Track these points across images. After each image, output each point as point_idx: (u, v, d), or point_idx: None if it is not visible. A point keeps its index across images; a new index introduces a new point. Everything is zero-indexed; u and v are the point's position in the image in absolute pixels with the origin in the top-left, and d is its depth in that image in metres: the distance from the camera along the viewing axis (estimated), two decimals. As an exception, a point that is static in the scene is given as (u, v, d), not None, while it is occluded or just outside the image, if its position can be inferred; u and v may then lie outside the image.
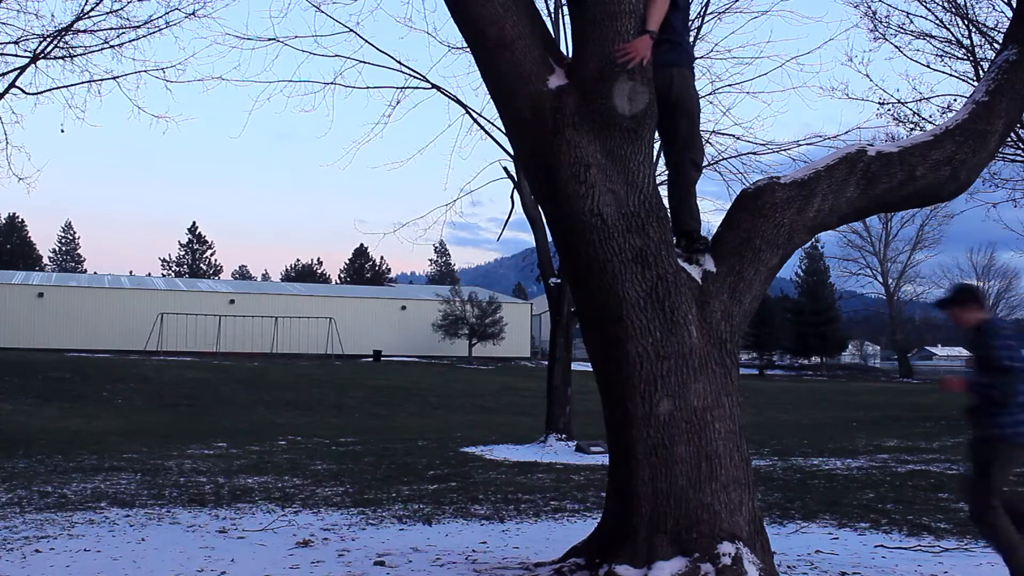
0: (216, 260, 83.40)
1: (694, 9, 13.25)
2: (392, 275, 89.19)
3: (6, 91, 15.25)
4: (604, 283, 4.47)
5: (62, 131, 20.35)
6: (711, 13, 13.71)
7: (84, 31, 15.45)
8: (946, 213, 41.98)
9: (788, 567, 5.11)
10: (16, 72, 15.30)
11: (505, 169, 13.98)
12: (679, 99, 4.68)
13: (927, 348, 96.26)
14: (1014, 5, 7.57)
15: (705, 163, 14.16)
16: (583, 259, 4.52)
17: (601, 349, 4.64)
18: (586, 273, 4.55)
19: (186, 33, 75.30)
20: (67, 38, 15.39)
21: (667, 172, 5.08)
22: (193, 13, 15.37)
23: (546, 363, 15.76)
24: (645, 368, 4.44)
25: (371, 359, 41.64)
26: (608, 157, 4.42)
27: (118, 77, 15.70)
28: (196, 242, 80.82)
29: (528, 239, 22.73)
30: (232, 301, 44.40)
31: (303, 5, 15.46)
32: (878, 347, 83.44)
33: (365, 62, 13.13)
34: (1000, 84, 5.27)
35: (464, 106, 13.63)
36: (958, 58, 17.84)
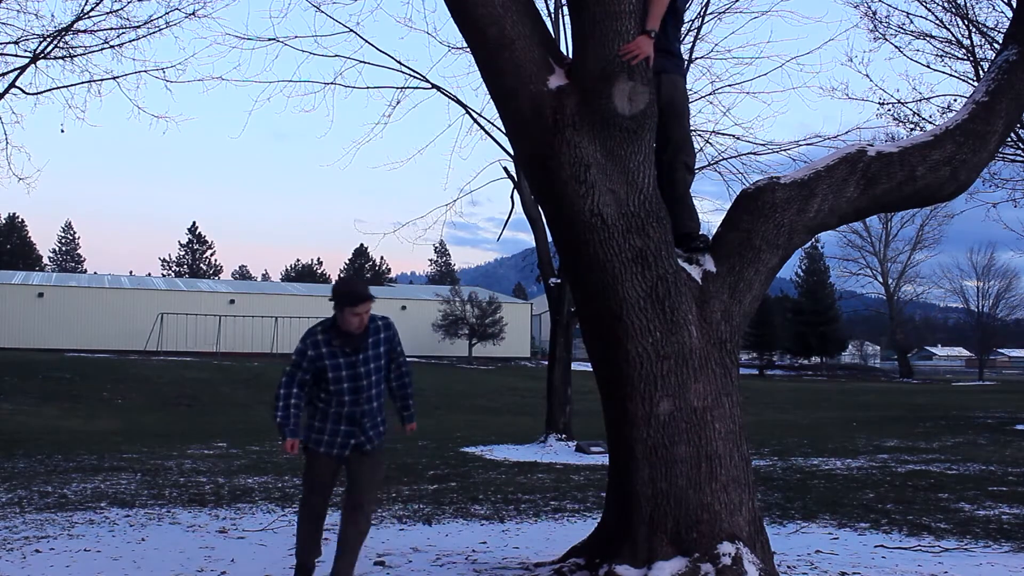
0: (216, 260, 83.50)
1: (694, 9, 13.24)
2: (392, 275, 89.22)
3: (6, 91, 15.24)
4: (604, 283, 4.47)
5: (62, 131, 20.30)
6: (711, 13, 13.70)
7: (84, 31, 15.44)
8: (946, 213, 42.00)
9: (788, 567, 5.12)
10: (16, 72, 15.30)
11: (505, 169, 13.98)
12: (670, 104, 4.67)
13: (927, 348, 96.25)
14: (1014, 5, 7.57)
15: (705, 163, 14.24)
16: (583, 259, 4.52)
17: (601, 349, 4.64)
18: (586, 273, 4.55)
19: (186, 33, 75.42)
20: (67, 38, 15.39)
21: (659, 176, 5.08)
22: (193, 13, 15.37)
23: (546, 363, 15.76)
24: (645, 368, 4.44)
25: (371, 359, 41.57)
26: (608, 157, 4.42)
27: (118, 77, 15.70)
28: (196, 242, 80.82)
29: (528, 239, 22.75)
30: (232, 301, 44.39)
31: (303, 5, 15.47)
32: (878, 347, 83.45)
33: (365, 62, 13.14)
34: (1000, 84, 5.27)
35: (464, 106, 13.63)
36: (958, 58, 17.82)
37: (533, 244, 14.33)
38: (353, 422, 4.65)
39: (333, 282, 4.36)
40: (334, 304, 4.52)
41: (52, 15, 42.75)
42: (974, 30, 17.02)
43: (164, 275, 74.23)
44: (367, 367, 4.61)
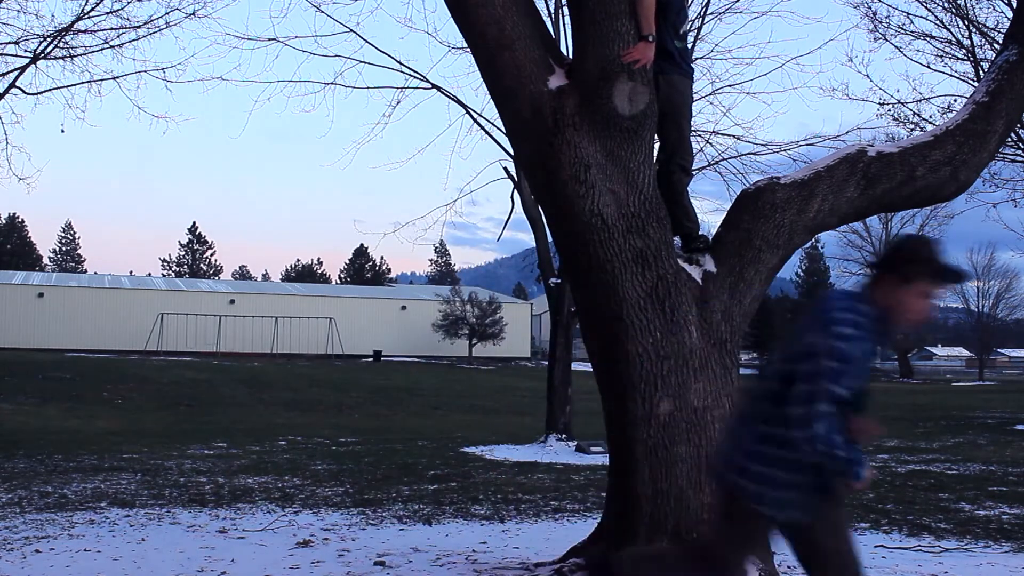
0: (216, 260, 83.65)
1: (694, 9, 13.23)
2: (392, 275, 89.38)
3: (6, 91, 15.26)
4: (604, 283, 4.47)
5: (62, 131, 20.37)
6: (711, 13, 13.69)
7: (84, 31, 15.47)
8: (946, 213, 41.76)
9: (788, 567, 5.11)
10: (16, 72, 15.32)
11: (505, 169, 13.99)
12: (667, 105, 4.66)
13: (927, 348, 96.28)
14: (1014, 5, 7.57)
15: (705, 163, 14.21)
16: (583, 259, 4.52)
17: (601, 349, 4.64)
18: (586, 273, 4.55)
19: (186, 33, 75.44)
20: (67, 38, 15.41)
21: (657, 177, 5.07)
22: (193, 13, 15.40)
23: (546, 363, 15.76)
24: (645, 368, 4.44)
25: (371, 359, 41.65)
26: (608, 157, 4.42)
27: (118, 77, 15.73)
28: (196, 242, 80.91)
29: (528, 239, 22.75)
30: (232, 301, 44.43)
31: (303, 5, 15.48)
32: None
33: (365, 62, 13.14)
34: (1000, 84, 5.27)
35: (464, 106, 13.63)
36: (958, 58, 17.83)
37: (533, 244, 14.33)
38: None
39: (900, 243, 2.92)
40: (905, 271, 2.79)
41: (52, 15, 42.93)
42: (974, 30, 17.04)
43: (164, 275, 74.30)
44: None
